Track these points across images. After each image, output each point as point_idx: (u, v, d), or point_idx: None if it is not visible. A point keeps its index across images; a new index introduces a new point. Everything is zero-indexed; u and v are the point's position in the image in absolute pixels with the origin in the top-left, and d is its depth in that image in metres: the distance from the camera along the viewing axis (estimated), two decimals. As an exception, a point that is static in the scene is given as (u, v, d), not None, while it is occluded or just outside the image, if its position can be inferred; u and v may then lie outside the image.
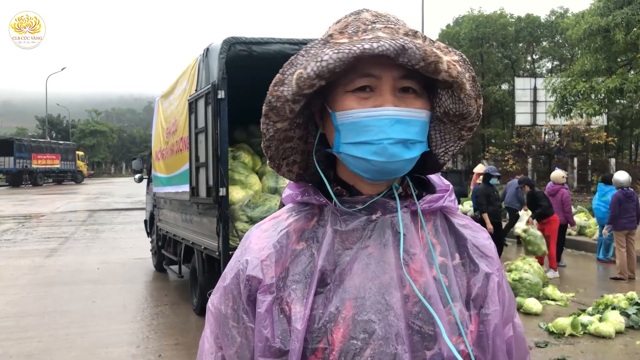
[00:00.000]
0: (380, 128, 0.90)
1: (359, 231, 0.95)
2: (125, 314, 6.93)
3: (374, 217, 0.96)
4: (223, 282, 1.02)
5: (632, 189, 9.18)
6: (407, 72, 0.91)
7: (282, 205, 1.09)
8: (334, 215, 0.97)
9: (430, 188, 1.05)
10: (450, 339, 0.91)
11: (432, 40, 0.92)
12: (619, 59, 14.58)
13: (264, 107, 0.95)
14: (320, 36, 0.98)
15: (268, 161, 1.03)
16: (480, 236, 1.04)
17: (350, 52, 0.85)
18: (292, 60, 0.92)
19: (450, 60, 0.91)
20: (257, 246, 0.99)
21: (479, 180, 10.75)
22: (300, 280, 0.94)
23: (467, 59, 0.94)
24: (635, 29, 12.77)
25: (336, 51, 0.86)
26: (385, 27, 0.91)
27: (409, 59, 0.86)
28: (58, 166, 43.88)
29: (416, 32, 0.92)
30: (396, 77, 0.92)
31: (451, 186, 1.06)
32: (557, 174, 10.07)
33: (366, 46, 0.84)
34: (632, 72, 14.28)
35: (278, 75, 0.93)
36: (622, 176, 9.10)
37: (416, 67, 0.88)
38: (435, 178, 1.07)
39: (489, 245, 1.04)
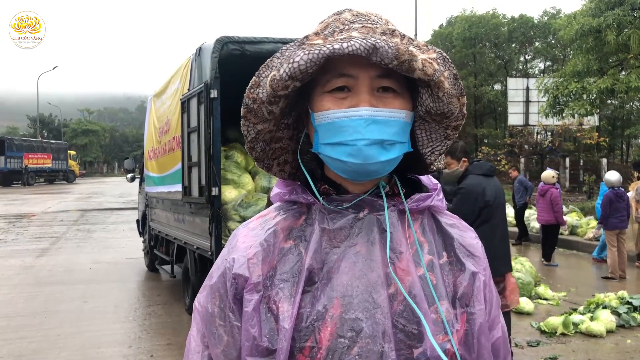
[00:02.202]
0: (354, 128, 0.90)
1: (347, 229, 0.95)
2: (117, 313, 6.90)
3: (361, 215, 0.96)
4: (210, 280, 1.01)
5: (622, 189, 9.25)
6: (384, 71, 0.91)
7: (269, 203, 1.09)
8: (321, 214, 0.97)
9: (420, 187, 1.05)
10: (436, 338, 0.91)
11: (411, 39, 0.91)
12: (610, 60, 14.64)
13: (242, 109, 0.95)
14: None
15: (255, 162, 1.03)
16: (467, 235, 1.04)
17: (320, 53, 0.85)
18: (267, 63, 0.93)
19: (427, 58, 0.90)
20: (244, 244, 0.99)
21: None
22: (288, 279, 0.94)
23: (447, 57, 0.93)
24: (626, 30, 12.83)
25: (307, 52, 0.86)
26: (363, 26, 0.91)
27: (382, 57, 0.86)
28: (50, 165, 43.62)
29: (394, 30, 0.91)
30: (373, 77, 0.91)
31: (439, 185, 1.06)
32: (548, 174, 10.12)
33: (336, 46, 0.85)
34: (623, 72, 14.36)
35: (254, 77, 0.94)
36: (613, 176, 9.17)
37: (390, 65, 0.87)
38: (424, 177, 1.07)
39: (476, 244, 1.04)
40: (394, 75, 0.92)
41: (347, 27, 0.91)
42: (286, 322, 0.90)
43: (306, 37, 0.92)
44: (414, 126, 1.01)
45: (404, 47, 0.87)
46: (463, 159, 4.63)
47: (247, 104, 0.94)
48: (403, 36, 0.91)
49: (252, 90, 0.93)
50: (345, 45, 0.84)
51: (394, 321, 0.92)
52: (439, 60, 0.92)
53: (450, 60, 0.93)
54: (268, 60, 0.93)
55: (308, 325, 0.91)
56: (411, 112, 0.96)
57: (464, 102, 0.96)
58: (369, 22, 0.94)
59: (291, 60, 0.87)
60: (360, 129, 0.89)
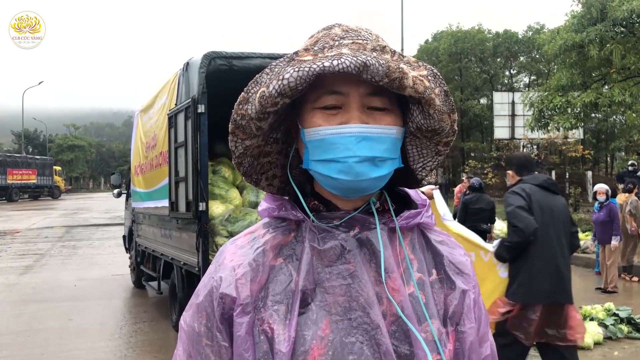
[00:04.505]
0: (345, 145, 0.89)
1: (338, 249, 0.94)
2: (103, 331, 6.80)
3: (351, 233, 0.95)
4: (196, 299, 0.99)
5: None
6: (375, 88, 0.90)
7: None
8: (311, 233, 0.96)
9: (409, 203, 1.04)
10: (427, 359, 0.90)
11: (402, 55, 0.91)
12: (593, 74, 14.86)
13: (230, 125, 0.94)
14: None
15: (243, 177, 1.02)
16: (456, 252, 1.03)
17: (310, 70, 0.85)
18: (256, 79, 0.92)
19: (418, 75, 0.90)
20: (232, 263, 0.97)
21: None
22: (282, 301, 0.92)
23: (437, 74, 0.93)
24: (608, 45, 13.05)
25: (297, 69, 0.85)
26: (353, 42, 0.90)
27: (372, 75, 0.85)
28: (34, 181, 43.05)
29: (385, 46, 0.91)
30: (363, 94, 0.91)
31: (428, 201, 1.05)
32: None
33: (326, 64, 0.84)
34: (606, 87, 14.57)
35: (243, 93, 0.92)
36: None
37: (380, 83, 0.87)
38: (412, 192, 1.06)
39: (466, 261, 1.03)
40: (384, 91, 0.91)
41: (337, 42, 0.91)
42: (282, 345, 0.88)
43: (296, 53, 0.91)
44: (405, 142, 1.00)
45: (394, 64, 0.87)
46: (508, 171, 4.22)
47: (236, 120, 0.93)
48: (394, 52, 0.91)
49: (240, 107, 0.92)
50: (335, 62, 0.84)
51: None
52: (429, 77, 0.91)
53: (441, 77, 0.93)
54: (257, 75, 0.92)
55: (307, 349, 0.88)
56: (402, 128, 0.95)
57: (454, 118, 0.96)
58: (359, 38, 0.93)
59: (280, 77, 0.86)
60: (351, 146, 0.89)
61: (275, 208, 1.00)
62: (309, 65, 0.85)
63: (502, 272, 4.04)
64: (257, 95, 0.89)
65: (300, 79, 0.85)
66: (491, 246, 4.15)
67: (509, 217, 3.90)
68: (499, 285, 4.00)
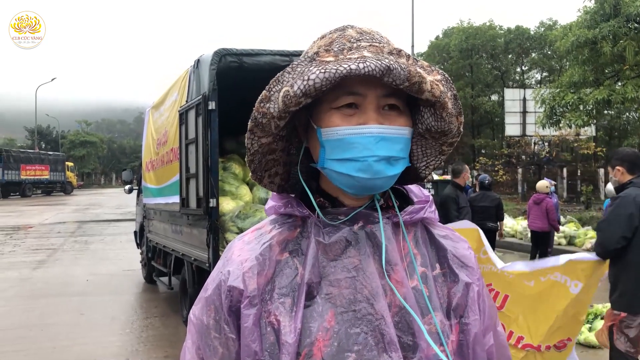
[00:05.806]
0: (364, 145, 0.91)
1: (342, 243, 0.96)
2: (114, 326, 6.87)
3: (356, 228, 0.97)
4: (205, 292, 1.02)
5: None
6: (391, 90, 0.93)
7: None
8: (317, 227, 0.98)
9: (409, 200, 1.07)
10: (431, 349, 0.92)
11: (416, 59, 0.94)
12: (606, 71, 14.74)
13: (249, 123, 0.96)
14: (305, 50, 0.99)
15: (251, 174, 1.04)
16: (460, 246, 1.06)
17: (337, 72, 0.86)
18: (278, 77, 0.93)
19: (433, 79, 0.93)
20: (240, 258, 0.99)
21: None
22: (288, 294, 0.94)
23: (449, 78, 0.96)
24: (621, 42, 12.92)
25: (323, 70, 0.87)
26: (371, 45, 0.92)
27: (394, 79, 0.88)
28: (47, 177, 43.48)
29: (400, 50, 0.93)
30: (380, 95, 0.93)
31: (431, 197, 1.07)
32: (542, 183, 10.18)
33: (353, 66, 0.86)
34: (619, 83, 14.43)
35: (264, 92, 0.93)
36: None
37: (400, 87, 0.90)
38: (416, 189, 1.09)
39: (469, 255, 1.06)
40: (398, 93, 0.94)
41: (355, 44, 0.93)
42: (289, 336, 0.90)
43: (316, 54, 0.92)
44: (410, 141, 1.03)
45: (413, 69, 0.90)
46: (617, 167, 3.86)
47: (257, 118, 0.94)
48: (408, 56, 0.93)
49: (262, 105, 0.93)
50: (361, 65, 0.86)
51: None
52: (442, 82, 0.95)
53: (451, 81, 0.97)
54: (279, 74, 0.93)
55: (313, 340, 0.90)
56: (411, 129, 0.98)
57: (461, 120, 1.00)
58: (375, 41, 0.95)
59: (306, 77, 0.88)
60: (370, 145, 0.91)
61: (281, 205, 1.03)
62: (335, 67, 0.87)
63: (572, 288, 3.79)
64: (281, 94, 0.91)
65: (326, 80, 0.87)
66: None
67: (598, 226, 3.75)
68: (574, 302, 3.76)
